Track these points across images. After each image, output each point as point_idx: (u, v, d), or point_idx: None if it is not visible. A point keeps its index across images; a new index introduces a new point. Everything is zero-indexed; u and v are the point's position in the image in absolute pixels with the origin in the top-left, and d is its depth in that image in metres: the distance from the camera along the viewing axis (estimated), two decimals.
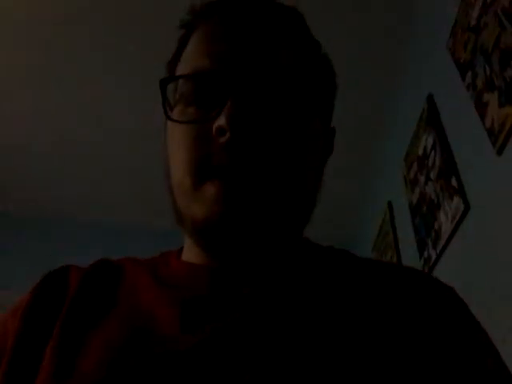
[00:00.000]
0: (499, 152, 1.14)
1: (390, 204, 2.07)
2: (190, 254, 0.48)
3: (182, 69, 0.47)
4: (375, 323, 0.38)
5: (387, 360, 0.36)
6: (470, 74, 1.32)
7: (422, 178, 1.65)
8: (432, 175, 1.56)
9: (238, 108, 0.40)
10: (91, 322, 0.42)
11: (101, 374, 0.36)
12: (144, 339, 0.38)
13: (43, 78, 2.05)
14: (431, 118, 1.59)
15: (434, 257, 1.49)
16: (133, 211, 2.68)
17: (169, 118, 0.45)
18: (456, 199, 1.36)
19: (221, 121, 0.40)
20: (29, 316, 0.43)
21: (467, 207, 1.30)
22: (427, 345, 0.38)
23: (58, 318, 0.42)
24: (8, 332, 0.43)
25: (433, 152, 1.56)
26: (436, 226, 1.49)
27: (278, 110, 0.42)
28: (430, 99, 1.62)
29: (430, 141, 1.58)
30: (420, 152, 1.68)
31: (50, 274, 0.48)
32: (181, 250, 0.51)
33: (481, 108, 1.23)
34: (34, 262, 2.21)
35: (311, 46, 0.50)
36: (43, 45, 1.93)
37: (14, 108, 2.20)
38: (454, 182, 1.38)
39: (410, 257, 1.73)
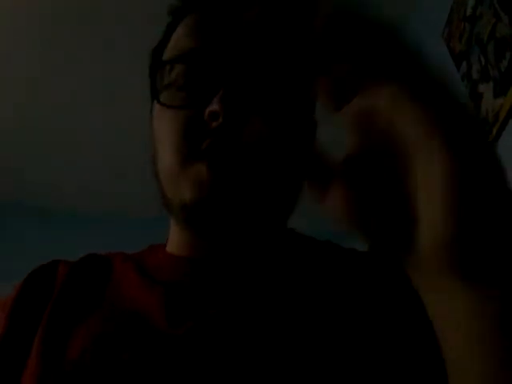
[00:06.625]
0: (493, 142, 1.15)
1: None
2: (174, 244, 0.48)
3: (169, 53, 0.47)
4: (348, 309, 0.39)
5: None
6: (465, 64, 1.32)
7: None
8: None
9: (232, 93, 0.40)
10: (78, 313, 0.42)
11: (86, 360, 0.37)
12: (130, 330, 0.39)
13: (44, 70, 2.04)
14: None
15: None
16: (135, 204, 2.66)
17: (159, 102, 0.44)
18: None
19: (214, 105, 0.40)
20: (17, 310, 0.44)
21: None
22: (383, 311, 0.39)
23: (46, 311, 0.43)
24: None
25: None
26: None
27: (270, 97, 0.42)
28: None
29: None
30: None
31: (38, 269, 0.48)
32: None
33: (476, 98, 1.24)
34: (34, 254, 2.20)
35: (306, 33, 0.50)
36: (43, 39, 1.91)
37: (14, 99, 2.17)
38: None
39: None
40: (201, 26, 0.45)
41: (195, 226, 0.44)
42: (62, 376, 0.37)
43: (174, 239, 0.49)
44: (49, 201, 2.70)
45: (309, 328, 0.38)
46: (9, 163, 2.48)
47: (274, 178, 0.43)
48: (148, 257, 0.49)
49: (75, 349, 0.38)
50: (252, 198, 0.42)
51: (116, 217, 2.71)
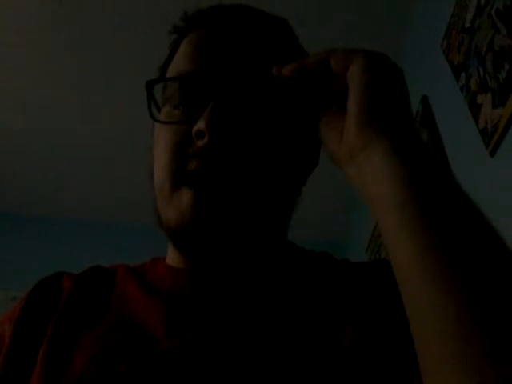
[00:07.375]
0: (492, 153, 1.15)
1: None
2: (172, 256, 0.49)
3: (170, 72, 0.48)
4: (344, 322, 0.39)
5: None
6: (463, 75, 1.33)
7: None
8: None
9: (218, 113, 0.41)
10: (82, 325, 0.43)
11: (87, 372, 0.37)
12: (132, 341, 0.40)
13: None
14: (425, 120, 1.60)
15: None
16: (132, 212, 2.66)
17: (153, 117, 0.46)
18: None
19: (200, 124, 0.40)
20: (22, 322, 0.45)
21: None
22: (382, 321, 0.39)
23: (51, 323, 0.43)
24: (3, 337, 0.44)
25: None
26: None
27: (258, 116, 0.43)
28: (425, 101, 1.63)
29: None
30: None
31: (43, 281, 0.49)
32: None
33: (474, 109, 1.24)
34: (34, 262, 2.20)
35: (298, 56, 0.51)
36: (43, 38, 1.92)
37: (14, 102, 2.18)
38: None
39: None
40: (198, 47, 0.47)
41: (180, 249, 0.45)
42: None
43: (172, 252, 0.49)
44: (49, 207, 2.70)
45: (308, 343, 0.37)
46: (8, 168, 2.49)
47: (261, 200, 0.43)
48: (149, 269, 0.50)
49: (77, 361, 0.39)
50: (237, 222, 0.42)
51: (116, 224, 2.71)
